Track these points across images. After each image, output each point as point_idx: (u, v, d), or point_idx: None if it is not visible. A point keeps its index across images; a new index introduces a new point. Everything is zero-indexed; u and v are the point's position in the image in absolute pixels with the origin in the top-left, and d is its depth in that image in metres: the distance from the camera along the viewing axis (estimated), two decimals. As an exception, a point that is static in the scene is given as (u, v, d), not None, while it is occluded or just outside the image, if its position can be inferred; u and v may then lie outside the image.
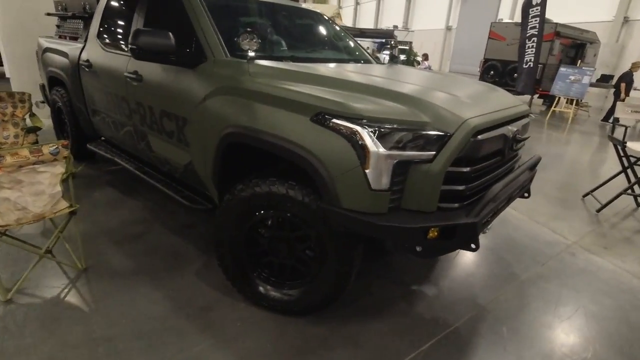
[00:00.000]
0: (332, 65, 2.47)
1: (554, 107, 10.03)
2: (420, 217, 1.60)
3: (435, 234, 1.61)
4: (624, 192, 3.73)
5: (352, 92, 1.74)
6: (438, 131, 1.57)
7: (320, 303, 1.98)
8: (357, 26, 32.08)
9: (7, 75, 6.11)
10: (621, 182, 3.98)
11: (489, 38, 12.24)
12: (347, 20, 37.25)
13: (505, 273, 2.66)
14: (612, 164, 4.09)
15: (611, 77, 11.58)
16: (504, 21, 16.04)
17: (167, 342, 1.83)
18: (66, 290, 2.15)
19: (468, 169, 1.66)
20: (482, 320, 2.16)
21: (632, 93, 11.30)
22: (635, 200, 4.04)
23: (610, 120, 4.20)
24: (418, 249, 1.78)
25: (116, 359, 1.72)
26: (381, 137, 1.53)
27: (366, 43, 18.93)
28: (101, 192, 3.43)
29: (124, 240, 2.67)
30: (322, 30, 3.29)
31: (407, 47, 14.43)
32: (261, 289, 2.05)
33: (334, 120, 1.59)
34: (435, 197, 1.61)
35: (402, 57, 14.04)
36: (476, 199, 1.76)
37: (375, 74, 2.28)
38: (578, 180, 4.93)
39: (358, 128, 1.53)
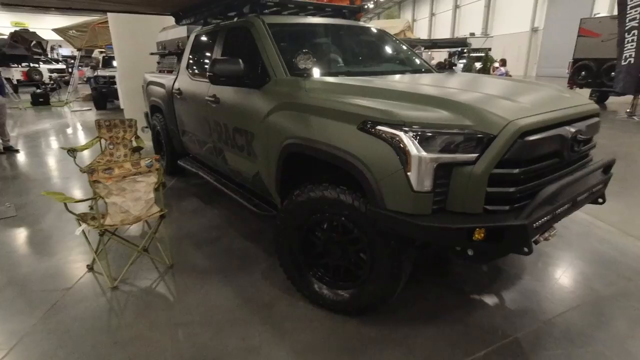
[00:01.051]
0: (384, 77, 2.58)
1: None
2: (464, 219, 1.62)
3: (482, 235, 1.61)
4: None
5: (396, 100, 1.84)
6: (480, 133, 1.60)
7: (370, 304, 2.06)
8: (433, 37, 31.43)
9: (122, 107, 7.30)
10: None
11: (578, 36, 11.13)
12: (421, 32, 36.71)
13: (583, 287, 2.45)
14: None
15: None
16: (599, 15, 14.47)
17: (233, 330, 2.07)
18: (157, 282, 2.53)
19: (517, 170, 1.64)
20: (547, 333, 2.03)
21: None
22: None
23: None
24: (470, 252, 1.80)
25: (190, 340, 2.00)
26: (422, 141, 1.60)
27: (443, 54, 18.46)
28: (188, 202, 3.92)
29: (203, 243, 3.04)
30: (379, 44, 3.42)
31: (483, 54, 13.74)
32: (316, 288, 2.20)
33: (378, 127, 1.71)
34: (479, 199, 1.62)
35: (478, 65, 13.43)
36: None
37: (425, 82, 2.34)
38: (690, 189, 4.26)
39: (399, 133, 1.63)
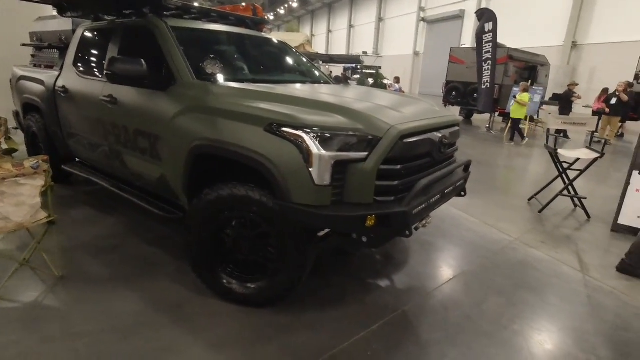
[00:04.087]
0: (286, 85, 2.79)
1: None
2: (358, 208, 1.90)
3: (373, 222, 1.90)
4: (560, 193, 4.17)
5: (298, 106, 2.06)
6: (369, 135, 1.90)
7: (280, 294, 2.22)
8: (330, 52, 33.32)
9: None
10: (561, 186, 4.43)
11: (449, 62, 13.10)
12: (319, 47, 38.59)
13: (453, 266, 2.97)
14: (554, 170, 4.57)
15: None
16: (464, 46, 17.16)
17: (141, 333, 2.02)
18: (44, 295, 2.30)
19: (399, 167, 1.98)
20: (427, 304, 2.43)
21: (582, 110, 12.26)
22: (572, 201, 4.49)
23: (554, 133, 4.69)
24: (364, 239, 2.09)
25: (92, 348, 1.89)
26: (322, 142, 1.83)
27: (339, 69, 19.80)
28: (77, 211, 3.58)
29: (99, 252, 2.84)
30: (282, 55, 3.65)
31: (374, 72, 15.24)
32: (227, 283, 2.28)
33: (283, 129, 1.89)
34: (370, 191, 1.92)
35: (370, 80, 14.81)
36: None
37: (323, 92, 2.63)
38: (527, 187, 5.39)
39: (302, 134, 1.84)
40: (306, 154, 1.83)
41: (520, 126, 11.03)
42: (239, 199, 2.09)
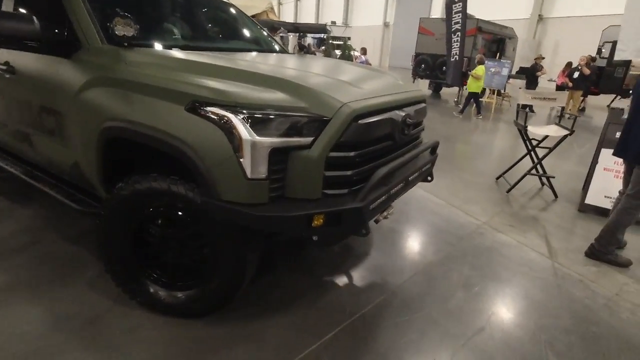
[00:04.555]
0: (225, 54, 2.35)
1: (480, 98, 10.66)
2: (302, 205, 1.56)
3: (321, 221, 1.57)
4: (528, 172, 4.01)
5: (230, 79, 1.65)
6: (315, 116, 1.54)
7: (215, 303, 1.89)
8: (299, 21, 32.05)
9: None
10: (530, 164, 4.28)
11: (419, 33, 12.72)
12: (287, 16, 37.05)
13: (418, 256, 2.73)
14: (524, 148, 4.40)
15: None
16: (434, 17, 16.79)
17: (38, 362, 1.64)
18: None
19: (353, 153, 1.64)
20: (389, 305, 2.18)
21: (547, 84, 12.35)
22: (540, 179, 4.37)
23: (521, 108, 4.50)
24: (314, 238, 1.77)
25: (-30, 389, 1.50)
26: (255, 124, 1.46)
27: (307, 39, 18.94)
28: (-13, 202, 3.04)
29: (6, 252, 2.37)
30: (228, 20, 3.16)
31: (342, 43, 14.63)
32: (153, 291, 1.91)
33: (207, 109, 1.50)
34: (317, 184, 1.57)
35: (338, 52, 14.22)
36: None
37: (268, 62, 2.22)
38: (494, 165, 5.25)
39: (230, 115, 1.45)
40: (236, 140, 1.45)
41: (486, 100, 10.98)
42: (160, 195, 1.69)
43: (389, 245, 2.84)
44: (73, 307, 1.96)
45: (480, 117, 9.07)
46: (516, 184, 4.06)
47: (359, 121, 1.63)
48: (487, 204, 3.79)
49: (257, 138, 1.45)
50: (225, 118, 1.46)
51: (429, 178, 2.50)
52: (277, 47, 3.14)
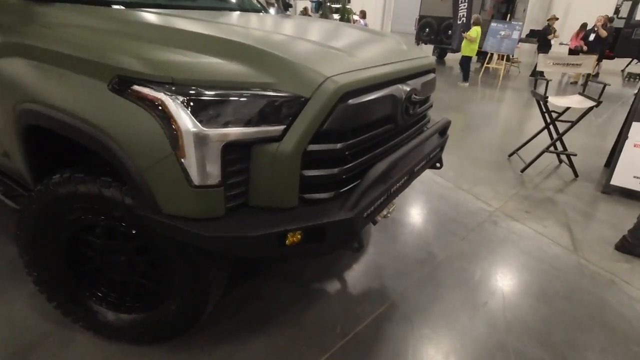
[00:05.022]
0: (178, 11, 1.86)
1: (487, 63, 10.01)
2: (272, 218, 1.16)
3: (298, 237, 1.18)
4: (546, 150, 3.58)
5: (173, 46, 1.20)
6: (287, 96, 1.11)
7: (175, 328, 1.53)
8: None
9: None
10: (546, 139, 3.83)
11: (423, -6, 11.84)
12: (284, -21, 35.14)
13: (422, 255, 2.36)
14: (539, 120, 3.95)
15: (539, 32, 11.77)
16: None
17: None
18: None
19: (340, 145, 1.22)
20: (388, 320, 1.82)
21: (558, 47, 11.61)
22: (558, 157, 3.94)
23: (534, 75, 3.99)
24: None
25: None
26: (199, 110, 1.03)
27: (306, 2, 17.79)
28: None
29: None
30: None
31: (340, 6, 13.67)
32: (98, 314, 1.55)
33: (135, 87, 1.07)
34: (292, 188, 1.17)
35: (336, 16, 13.31)
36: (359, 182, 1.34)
37: (232, 22, 1.75)
38: (505, 139, 4.80)
39: (163, 97, 1.02)
40: (174, 132, 1.03)
41: (494, 66, 10.32)
42: (90, 200, 1.29)
43: (389, 240, 2.47)
44: (3, 332, 1.62)
45: (467, 84, 8.44)
46: (532, 162, 3.63)
47: (349, 101, 1.20)
48: (500, 185, 3.39)
49: (204, 129, 1.03)
50: (159, 101, 1.03)
51: (438, 165, 2.09)
52: (255, 6, 2.62)
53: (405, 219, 2.73)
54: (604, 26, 9.19)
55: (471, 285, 2.09)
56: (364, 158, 1.35)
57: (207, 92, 1.03)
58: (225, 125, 1.04)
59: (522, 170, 3.65)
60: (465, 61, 8.39)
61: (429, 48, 12.98)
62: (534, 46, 13.82)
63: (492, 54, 9.98)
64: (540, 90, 3.61)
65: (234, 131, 1.06)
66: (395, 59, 1.56)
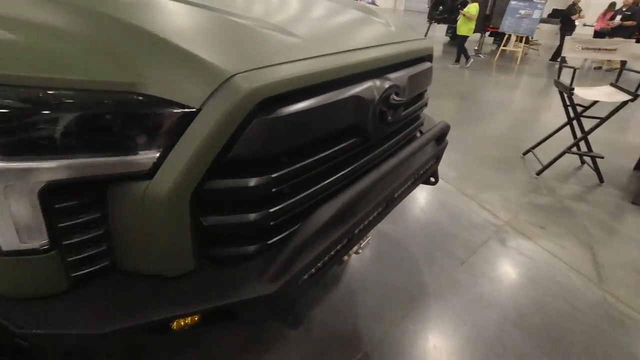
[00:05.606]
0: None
1: (503, 45, 9.29)
2: (145, 295, 0.74)
3: (195, 319, 0.77)
4: (568, 150, 3.08)
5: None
6: (161, 106, 0.67)
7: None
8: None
9: None
10: (567, 136, 3.33)
11: (438, -32, 10.98)
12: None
13: (410, 285, 1.93)
14: (558, 112, 3.44)
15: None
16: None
17: None
18: None
19: (259, 180, 0.79)
20: (357, 381, 1.43)
21: (582, 29, 10.78)
22: (580, 157, 3.43)
23: (559, 60, 3.44)
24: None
25: None
26: (-3, 129, 0.61)
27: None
28: None
29: None
30: None
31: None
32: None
33: None
34: (180, 247, 0.75)
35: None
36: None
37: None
38: (520, 133, 4.27)
39: None
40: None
41: (511, 49, 9.60)
42: None
43: (370, 264, 2.05)
44: None
45: (458, 65, 7.79)
46: (551, 164, 3.14)
47: (276, 111, 0.75)
48: (511, 190, 2.92)
49: (3, 164, 0.60)
50: None
51: (432, 179, 1.64)
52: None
53: (393, 235, 2.30)
54: (636, 4, 8.38)
55: (466, 332, 1.67)
56: (308, 193, 0.92)
57: (8, 99, 0.60)
58: (39, 155, 0.62)
59: (538, 173, 3.16)
60: (461, 42, 7.70)
61: (442, 28, 12.22)
62: (555, 27, 12.94)
63: (509, 36, 9.25)
64: (565, 79, 3.08)
65: (63, 164, 0.63)
66: (370, 43, 1.09)
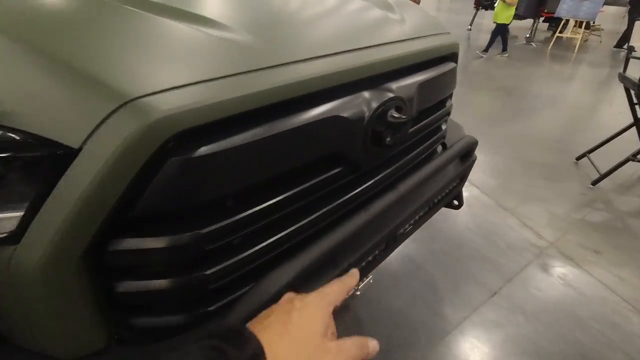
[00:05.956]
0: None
1: (559, 32, 8.43)
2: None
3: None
4: (633, 157, 2.62)
5: None
6: (26, 145, 0.48)
7: None
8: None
9: None
10: (632, 139, 2.85)
11: (485, -51, 10.16)
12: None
13: (428, 319, 1.67)
14: (623, 109, 2.97)
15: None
16: None
17: None
18: None
19: (178, 239, 0.58)
20: None
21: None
22: (647, 165, 2.94)
23: (625, 47, 2.95)
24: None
25: None
26: None
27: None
28: None
29: None
30: None
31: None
32: None
33: None
34: (72, 322, 0.57)
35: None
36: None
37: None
38: (574, 134, 3.78)
39: None
40: None
41: (569, 36, 8.71)
42: None
43: (386, 292, 1.80)
44: None
45: (506, 55, 7.07)
46: (610, 172, 2.70)
47: (199, 149, 0.54)
48: (559, 204, 2.53)
49: None
50: None
51: (456, 202, 1.37)
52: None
53: (412, 255, 2.04)
54: None
55: (495, 384, 1.40)
56: (267, 244, 0.70)
57: None
58: None
59: (595, 183, 2.73)
60: (499, 31, 6.97)
61: (490, 15, 11.37)
62: (622, 9, 11.60)
63: (566, 21, 8.37)
64: (632, 73, 2.62)
65: None
66: (361, 43, 0.84)
